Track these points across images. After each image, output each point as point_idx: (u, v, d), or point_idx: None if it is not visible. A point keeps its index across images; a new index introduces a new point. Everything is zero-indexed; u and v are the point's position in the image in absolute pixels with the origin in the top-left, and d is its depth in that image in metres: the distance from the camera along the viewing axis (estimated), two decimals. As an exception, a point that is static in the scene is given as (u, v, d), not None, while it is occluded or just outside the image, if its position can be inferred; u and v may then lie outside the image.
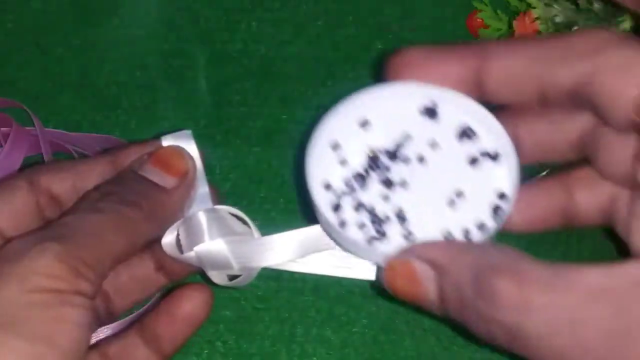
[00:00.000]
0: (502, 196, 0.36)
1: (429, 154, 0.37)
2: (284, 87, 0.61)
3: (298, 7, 0.64)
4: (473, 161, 0.37)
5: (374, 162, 0.37)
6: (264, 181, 0.57)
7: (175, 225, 0.38)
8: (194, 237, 0.38)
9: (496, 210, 0.36)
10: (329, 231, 0.38)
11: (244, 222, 0.41)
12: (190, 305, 0.36)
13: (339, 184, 0.37)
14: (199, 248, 0.38)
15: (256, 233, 0.41)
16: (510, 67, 0.31)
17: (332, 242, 0.38)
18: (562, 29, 0.51)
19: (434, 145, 0.37)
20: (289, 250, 0.39)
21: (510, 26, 0.55)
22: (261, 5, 0.64)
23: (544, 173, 0.56)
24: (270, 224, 0.55)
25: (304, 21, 0.64)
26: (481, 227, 0.35)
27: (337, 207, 0.37)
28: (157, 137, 0.58)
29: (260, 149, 0.58)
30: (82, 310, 0.28)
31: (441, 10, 0.64)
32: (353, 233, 0.36)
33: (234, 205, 0.56)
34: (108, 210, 0.32)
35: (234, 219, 0.41)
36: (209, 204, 0.40)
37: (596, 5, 0.48)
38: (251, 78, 0.61)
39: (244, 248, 0.39)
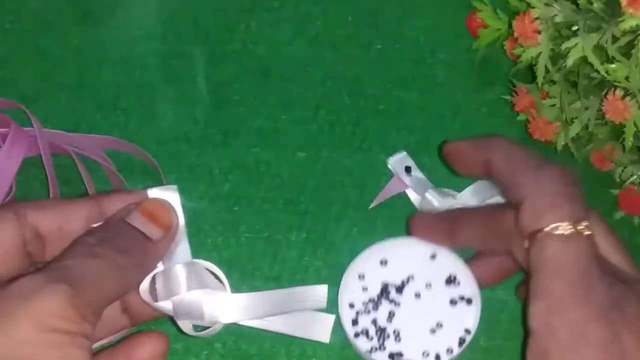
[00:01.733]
0: (467, 331, 0.49)
1: (424, 292, 0.50)
2: (283, 87, 0.61)
3: (298, 7, 0.64)
4: (453, 302, 0.49)
5: (385, 291, 0.50)
6: (263, 181, 0.57)
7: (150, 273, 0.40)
8: (173, 287, 0.41)
9: (462, 341, 0.49)
10: (347, 336, 0.49)
11: (218, 278, 0.45)
12: (147, 351, 0.36)
13: (359, 305, 0.50)
14: (176, 299, 0.41)
15: (229, 289, 0.45)
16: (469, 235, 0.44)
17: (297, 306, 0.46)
18: (562, 29, 0.51)
19: (428, 285, 0.50)
20: (259, 310, 0.45)
21: (510, 26, 0.55)
22: (261, 5, 0.64)
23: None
24: (270, 224, 0.56)
25: (303, 21, 0.64)
26: (450, 351, 0.49)
27: (355, 322, 0.49)
28: (158, 138, 0.58)
29: (259, 149, 0.58)
30: (86, 352, 0.30)
31: (441, 10, 0.64)
32: (362, 342, 0.49)
33: (232, 206, 0.56)
34: (104, 256, 0.33)
35: (209, 273, 0.45)
36: (189, 258, 0.42)
37: (596, 5, 0.48)
38: (251, 78, 0.61)
39: (218, 303, 0.43)
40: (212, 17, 0.63)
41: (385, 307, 0.50)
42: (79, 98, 0.60)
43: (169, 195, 0.40)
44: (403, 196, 0.57)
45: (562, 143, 0.55)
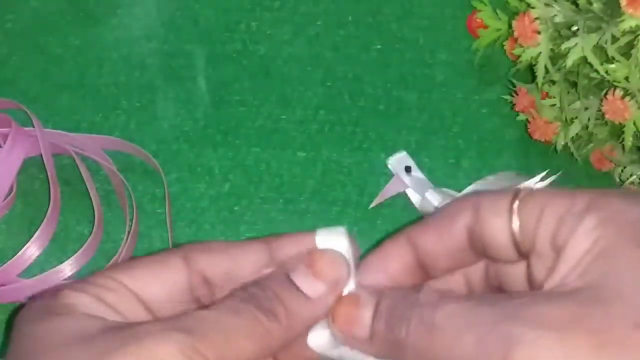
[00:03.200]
0: None
1: None
2: (283, 87, 0.61)
3: (298, 7, 0.64)
4: None
5: None
6: (263, 181, 0.57)
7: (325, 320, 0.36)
8: None
9: None
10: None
11: None
12: None
13: None
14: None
15: None
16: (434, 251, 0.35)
17: None
18: (562, 29, 0.51)
19: None
20: None
21: (510, 26, 0.55)
22: (261, 5, 0.64)
23: (543, 174, 0.56)
24: (270, 224, 0.56)
25: (304, 21, 0.64)
26: None
27: None
28: (158, 137, 0.58)
29: (259, 149, 0.58)
30: None
31: (441, 10, 0.64)
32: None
33: (233, 206, 0.56)
34: (245, 314, 0.32)
35: None
36: None
37: (596, 5, 0.48)
38: (251, 78, 0.61)
39: None
40: (212, 17, 0.63)
41: None
42: (79, 98, 0.60)
43: (337, 239, 0.37)
44: (403, 196, 0.57)
45: (562, 143, 0.55)
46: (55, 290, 0.32)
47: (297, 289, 0.34)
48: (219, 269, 0.34)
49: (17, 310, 0.49)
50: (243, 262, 0.35)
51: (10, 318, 0.51)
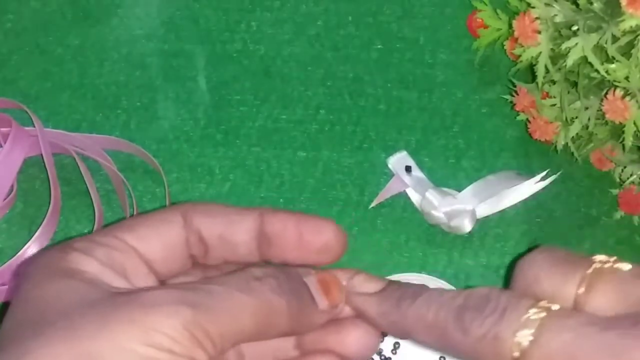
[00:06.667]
0: None
1: None
2: (284, 87, 0.61)
3: (298, 7, 0.64)
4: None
5: (396, 347, 0.50)
6: (263, 181, 0.57)
7: None
8: None
9: None
10: None
11: None
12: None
13: None
14: None
15: None
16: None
17: None
18: (562, 29, 0.51)
19: None
20: None
21: (510, 26, 0.55)
22: (261, 5, 0.64)
23: (543, 173, 0.56)
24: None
25: (304, 21, 0.64)
26: None
27: None
28: (158, 137, 0.58)
29: (260, 149, 0.58)
30: None
31: (441, 10, 0.64)
32: None
33: (234, 204, 0.56)
34: (259, 294, 0.32)
35: None
36: None
37: (596, 5, 0.48)
38: (251, 78, 0.61)
39: None
40: (212, 16, 0.63)
41: (390, 338, 0.50)
42: (80, 98, 0.60)
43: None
44: (403, 196, 0.57)
45: (562, 143, 0.55)
46: (64, 247, 0.32)
47: (309, 290, 0.34)
48: (214, 231, 0.35)
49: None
50: (237, 228, 0.35)
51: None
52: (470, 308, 0.29)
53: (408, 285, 0.33)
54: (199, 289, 0.31)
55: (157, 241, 0.34)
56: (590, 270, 0.28)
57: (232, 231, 0.35)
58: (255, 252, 0.35)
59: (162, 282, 0.33)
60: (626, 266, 0.28)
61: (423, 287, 0.33)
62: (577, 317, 0.27)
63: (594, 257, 0.29)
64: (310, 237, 0.35)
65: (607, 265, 0.28)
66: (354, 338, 0.35)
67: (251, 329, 0.31)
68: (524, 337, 0.27)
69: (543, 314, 0.27)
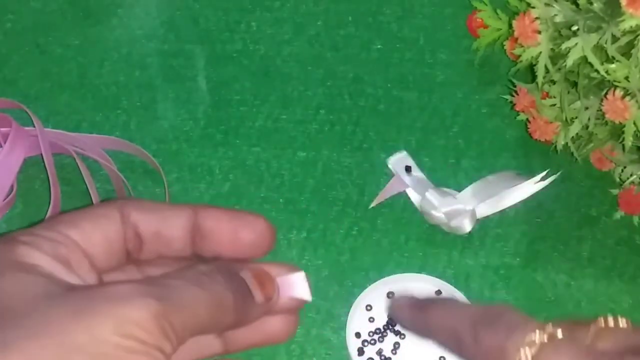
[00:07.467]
0: None
1: None
2: (283, 87, 0.61)
3: (298, 7, 0.64)
4: None
5: (391, 323, 0.51)
6: (263, 181, 0.57)
7: None
8: None
9: None
10: None
11: None
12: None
13: (365, 335, 0.51)
14: None
15: None
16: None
17: None
18: (562, 29, 0.51)
19: None
20: None
21: (510, 26, 0.55)
22: (261, 5, 0.64)
23: (543, 173, 0.56)
24: (270, 224, 0.56)
25: (304, 21, 0.64)
26: None
27: (361, 351, 0.51)
28: (158, 137, 0.58)
29: (260, 149, 0.58)
30: None
31: (441, 10, 0.64)
32: None
33: (233, 205, 0.56)
34: (210, 289, 0.34)
35: None
36: None
37: (596, 5, 0.48)
38: (251, 78, 0.61)
39: None
40: (212, 16, 0.63)
41: (390, 338, 0.51)
42: (80, 98, 0.60)
43: (297, 280, 0.39)
44: (403, 196, 0.57)
45: (562, 143, 0.55)
46: (9, 240, 0.32)
47: (247, 284, 0.36)
48: (150, 226, 0.36)
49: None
50: (171, 224, 0.36)
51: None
52: (485, 321, 0.34)
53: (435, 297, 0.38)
54: (161, 284, 0.32)
55: (99, 236, 0.34)
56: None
57: (167, 226, 0.36)
58: (189, 247, 0.36)
59: (100, 278, 0.34)
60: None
61: (448, 299, 0.36)
62: (576, 347, 0.31)
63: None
64: (243, 232, 0.37)
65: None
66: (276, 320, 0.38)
67: (206, 321, 0.33)
68: (526, 354, 0.31)
69: (546, 338, 0.32)
